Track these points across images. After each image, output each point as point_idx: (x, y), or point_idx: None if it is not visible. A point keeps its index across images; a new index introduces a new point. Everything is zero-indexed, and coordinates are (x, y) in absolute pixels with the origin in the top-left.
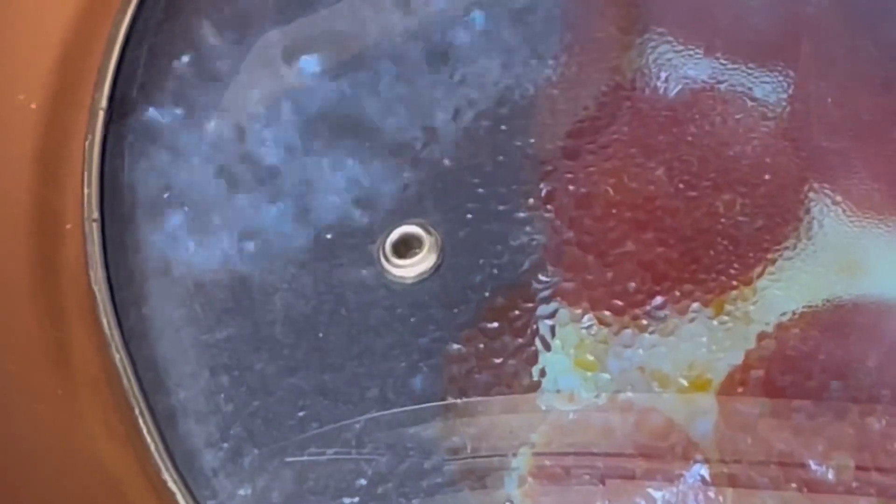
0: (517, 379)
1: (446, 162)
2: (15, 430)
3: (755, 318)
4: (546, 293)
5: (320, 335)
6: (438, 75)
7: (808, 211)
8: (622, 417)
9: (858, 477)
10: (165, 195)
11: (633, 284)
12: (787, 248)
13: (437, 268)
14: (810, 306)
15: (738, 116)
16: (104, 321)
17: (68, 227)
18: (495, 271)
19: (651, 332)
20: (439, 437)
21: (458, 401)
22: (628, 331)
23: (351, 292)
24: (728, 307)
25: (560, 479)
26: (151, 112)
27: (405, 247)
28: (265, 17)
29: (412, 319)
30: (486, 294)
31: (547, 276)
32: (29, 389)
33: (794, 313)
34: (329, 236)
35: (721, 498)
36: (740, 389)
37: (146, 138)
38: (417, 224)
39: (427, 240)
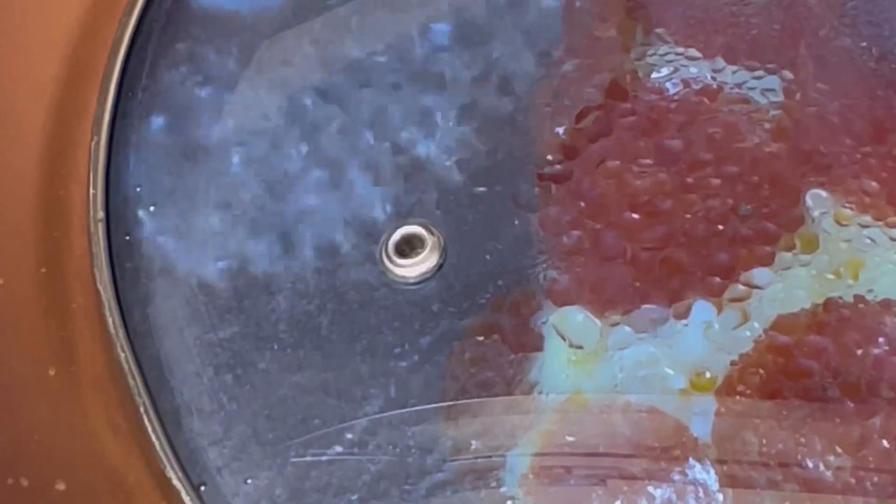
0: (518, 378)
1: (448, 162)
2: (20, 428)
3: (755, 318)
4: (547, 293)
5: (323, 334)
6: (440, 76)
7: (807, 212)
8: (623, 417)
9: (856, 476)
10: (170, 196)
11: (633, 284)
12: (786, 248)
13: (438, 268)
14: (810, 307)
15: (737, 118)
16: (109, 320)
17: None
18: (497, 271)
19: (651, 333)
20: (441, 436)
21: (460, 400)
22: (628, 330)
23: (353, 292)
24: (728, 307)
25: (561, 479)
26: (156, 113)
27: (407, 247)
28: (269, 21)
29: (414, 319)
30: (488, 294)
31: (548, 276)
32: (34, 388)
33: (793, 314)
34: (332, 236)
35: (721, 497)
36: (740, 389)
37: (151, 139)
38: (420, 224)
39: (429, 240)
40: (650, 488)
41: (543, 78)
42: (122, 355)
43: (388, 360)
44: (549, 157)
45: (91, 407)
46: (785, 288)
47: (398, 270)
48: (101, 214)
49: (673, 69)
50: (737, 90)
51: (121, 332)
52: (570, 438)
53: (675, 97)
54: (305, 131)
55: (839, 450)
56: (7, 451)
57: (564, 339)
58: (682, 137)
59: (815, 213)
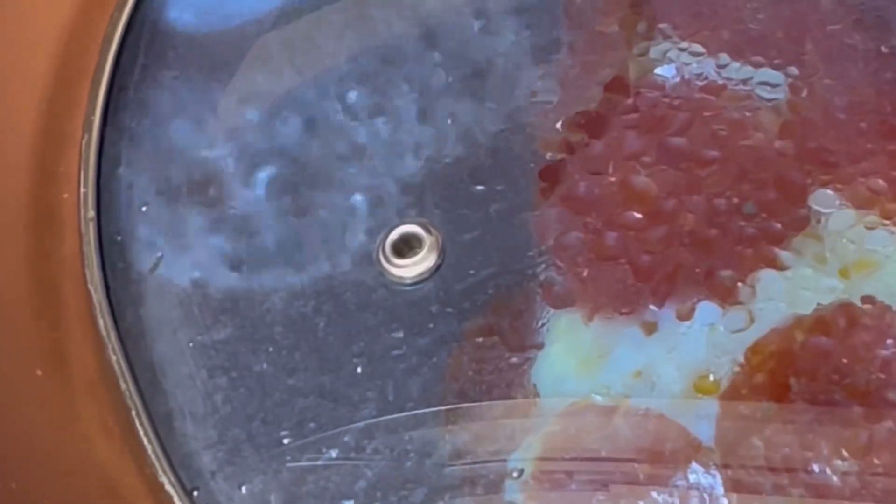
0: (518, 381)
1: (447, 161)
2: (11, 432)
3: (759, 320)
4: (547, 294)
5: (319, 336)
6: (438, 75)
7: (813, 211)
8: (625, 421)
9: (864, 481)
10: (162, 195)
11: (635, 285)
12: (792, 249)
13: (437, 268)
14: (815, 308)
15: (742, 115)
16: (100, 322)
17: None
18: (496, 272)
19: (654, 335)
20: (439, 441)
21: (459, 403)
22: (631, 333)
23: (350, 293)
24: (732, 309)
25: (563, 484)
26: (148, 111)
27: (405, 246)
28: (264, 18)
29: (412, 320)
30: (487, 295)
31: (548, 277)
32: (25, 391)
33: (798, 315)
34: (328, 235)
35: (726, 502)
36: (744, 392)
37: (143, 138)
38: (418, 224)
39: (427, 240)
40: (653, 493)
41: (545, 74)
42: (114, 357)
43: (386, 363)
44: (550, 155)
45: (82, 410)
46: (791, 289)
47: (396, 271)
48: (91, 213)
49: (676, 65)
50: (742, 86)
51: (112, 333)
52: (572, 443)
53: (679, 94)
54: (301, 130)
55: (846, 454)
56: None
57: (565, 342)
58: (685, 135)
59: (822, 213)
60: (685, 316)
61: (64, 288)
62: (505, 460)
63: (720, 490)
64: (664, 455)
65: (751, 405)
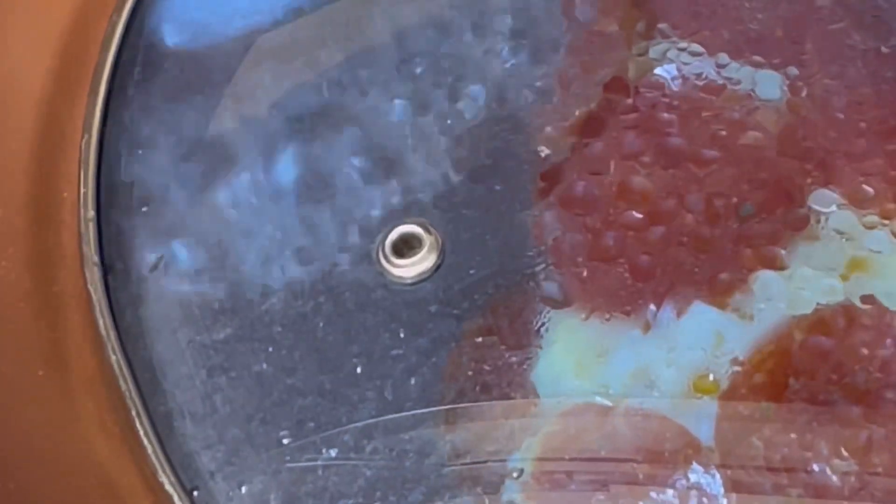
0: (518, 381)
1: (447, 161)
2: (10, 432)
3: (759, 320)
4: (547, 294)
5: (318, 336)
6: (438, 75)
7: (811, 211)
8: (625, 421)
9: (863, 481)
10: (162, 194)
11: (634, 285)
12: (791, 249)
13: (437, 268)
14: (815, 308)
15: (741, 115)
16: (100, 322)
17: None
18: (495, 271)
19: (654, 334)
20: (439, 441)
21: (459, 403)
22: (630, 333)
23: (350, 292)
24: (731, 309)
25: (562, 484)
26: (148, 111)
27: (405, 246)
28: (263, 17)
29: (412, 320)
30: (487, 294)
31: (548, 276)
32: (24, 391)
33: (798, 315)
34: (328, 235)
35: (725, 502)
36: (744, 392)
37: (143, 138)
38: (417, 223)
39: (427, 239)
40: (653, 493)
41: (544, 74)
42: (114, 357)
43: (385, 363)
44: (549, 156)
45: (82, 410)
46: (790, 289)
47: (395, 270)
48: (91, 214)
49: (676, 65)
50: (741, 86)
51: (112, 333)
52: (571, 443)
53: (679, 94)
54: (301, 129)
55: (845, 454)
56: None
57: (565, 341)
58: (685, 135)
59: (822, 213)
60: (684, 316)
61: (64, 288)
62: (505, 460)
63: (720, 490)
64: (664, 455)
65: (750, 405)
